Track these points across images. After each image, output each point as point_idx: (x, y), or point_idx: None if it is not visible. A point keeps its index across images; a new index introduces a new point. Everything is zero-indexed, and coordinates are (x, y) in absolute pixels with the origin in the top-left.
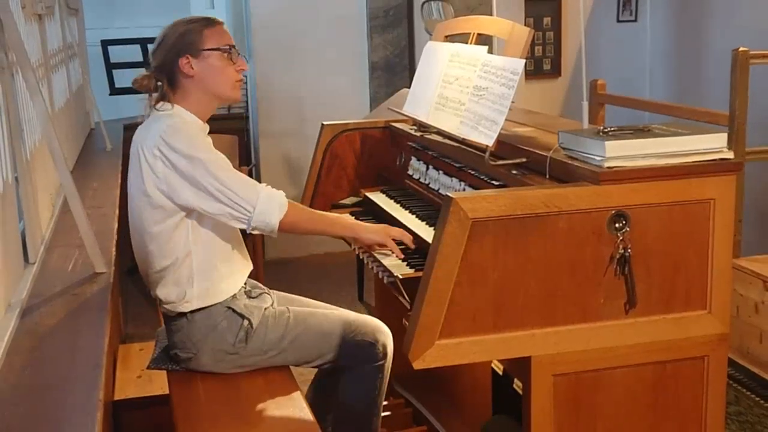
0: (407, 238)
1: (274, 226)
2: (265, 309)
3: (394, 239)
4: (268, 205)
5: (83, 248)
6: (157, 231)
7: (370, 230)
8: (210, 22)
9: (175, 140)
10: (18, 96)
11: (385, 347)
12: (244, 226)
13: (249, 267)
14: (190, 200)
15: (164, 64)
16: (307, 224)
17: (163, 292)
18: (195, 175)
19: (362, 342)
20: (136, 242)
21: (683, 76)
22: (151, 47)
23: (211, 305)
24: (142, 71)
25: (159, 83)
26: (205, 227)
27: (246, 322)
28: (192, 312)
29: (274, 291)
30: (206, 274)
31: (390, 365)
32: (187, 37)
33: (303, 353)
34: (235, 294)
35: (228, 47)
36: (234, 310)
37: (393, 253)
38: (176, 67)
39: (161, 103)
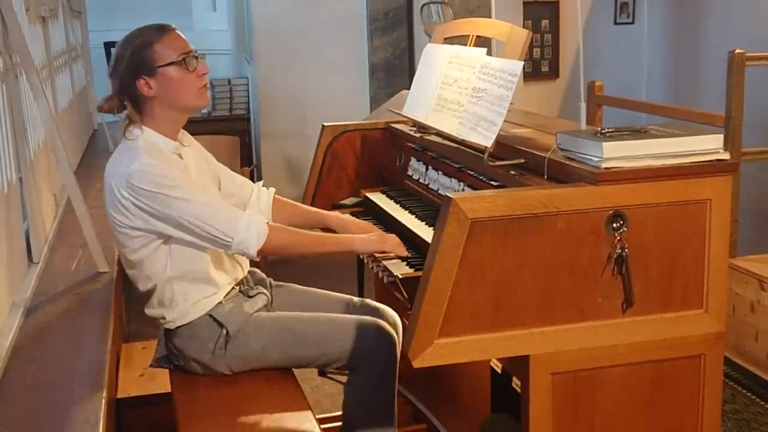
0: (401, 251)
1: (252, 254)
2: (252, 315)
3: (391, 245)
4: (247, 234)
5: (86, 248)
6: (135, 258)
7: (366, 242)
8: (159, 33)
9: (144, 184)
10: (22, 97)
11: (385, 351)
12: (224, 251)
13: (240, 274)
14: (167, 233)
15: (123, 87)
16: (295, 248)
17: (150, 311)
18: (170, 214)
19: (360, 347)
20: (122, 263)
21: (680, 78)
22: (107, 69)
23: (193, 319)
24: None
25: (123, 101)
26: (182, 253)
27: (224, 331)
28: (177, 327)
29: (280, 282)
30: (186, 296)
31: (395, 369)
32: (139, 57)
33: (291, 361)
34: (221, 301)
35: (182, 57)
36: (214, 318)
37: (395, 255)
38: (136, 90)
39: (130, 128)
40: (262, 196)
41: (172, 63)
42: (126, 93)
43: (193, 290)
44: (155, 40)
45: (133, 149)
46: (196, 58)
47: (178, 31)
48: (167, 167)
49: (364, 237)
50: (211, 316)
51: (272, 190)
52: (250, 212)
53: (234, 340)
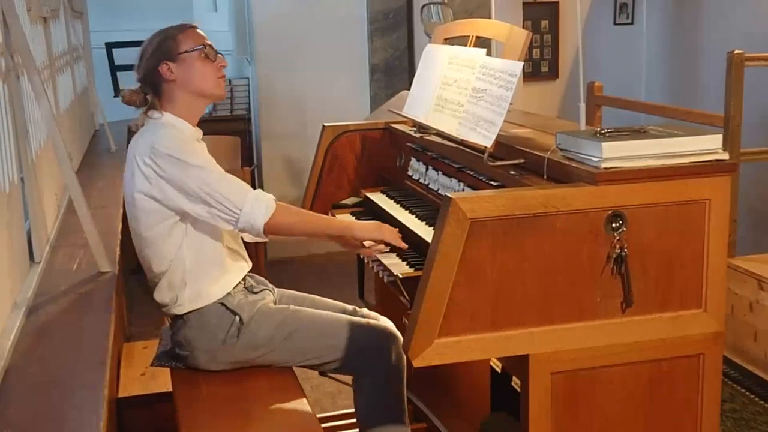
0: (398, 241)
1: (259, 227)
2: (260, 305)
3: (385, 242)
4: (255, 206)
5: (88, 248)
6: (150, 236)
7: (364, 229)
8: (183, 27)
9: (165, 148)
10: (24, 98)
11: (390, 353)
12: (231, 227)
13: (245, 268)
14: (181, 204)
15: (147, 76)
16: (297, 226)
17: (159, 296)
18: (185, 180)
19: (366, 348)
20: (136, 246)
21: (679, 78)
22: (134, 64)
23: (203, 306)
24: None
25: (147, 96)
26: (197, 233)
27: (237, 318)
28: (186, 313)
29: (281, 289)
30: (197, 278)
31: (402, 369)
32: (163, 45)
33: (296, 353)
34: (229, 292)
35: (203, 46)
36: (226, 307)
37: (387, 249)
38: (158, 76)
39: (152, 111)
40: None
41: (193, 50)
42: (148, 80)
43: (205, 274)
44: (178, 32)
45: (156, 125)
46: (216, 51)
47: (199, 29)
48: (189, 139)
49: (364, 223)
50: (222, 304)
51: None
52: (260, 190)
53: (246, 328)
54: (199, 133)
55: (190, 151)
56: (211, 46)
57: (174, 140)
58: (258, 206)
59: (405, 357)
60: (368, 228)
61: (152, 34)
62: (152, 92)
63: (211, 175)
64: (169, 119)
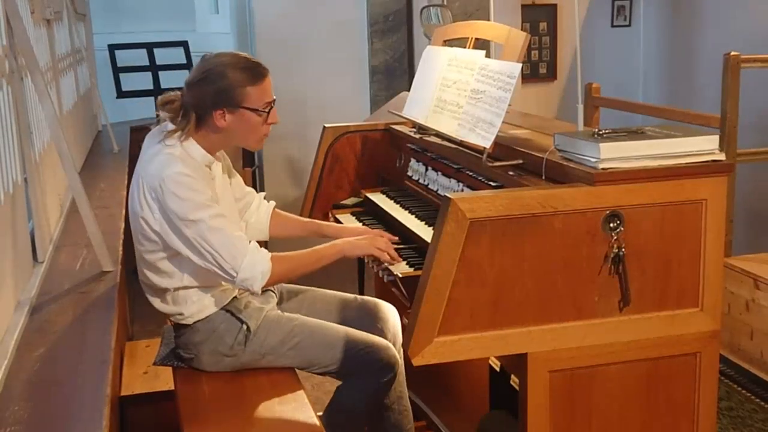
0: (392, 252)
1: (256, 291)
2: (267, 312)
3: (381, 248)
4: (251, 272)
5: (91, 247)
6: (152, 259)
7: (357, 247)
8: (257, 77)
9: (175, 191)
10: (27, 99)
11: (391, 366)
12: (227, 284)
13: None
14: (179, 248)
15: (197, 106)
16: (296, 272)
17: (162, 307)
18: (187, 234)
19: (366, 358)
20: (137, 259)
21: (676, 80)
22: (190, 73)
23: (209, 315)
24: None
25: (184, 111)
26: None
27: (244, 327)
28: (194, 322)
29: (281, 284)
30: (203, 295)
31: (392, 385)
32: (230, 92)
33: (301, 361)
34: (235, 296)
35: (267, 109)
36: (233, 314)
37: (391, 259)
38: (210, 115)
39: (172, 136)
40: (262, 206)
41: (256, 110)
42: (196, 110)
43: (210, 289)
44: (251, 83)
45: (170, 156)
46: (273, 106)
47: (270, 77)
48: (200, 182)
49: (353, 241)
50: (228, 311)
51: (272, 203)
52: (255, 246)
53: (254, 336)
54: (213, 159)
55: (197, 202)
56: (272, 103)
57: (184, 186)
58: (254, 273)
59: (396, 370)
60: (361, 246)
61: (224, 63)
62: (195, 119)
63: (210, 232)
64: (188, 148)
